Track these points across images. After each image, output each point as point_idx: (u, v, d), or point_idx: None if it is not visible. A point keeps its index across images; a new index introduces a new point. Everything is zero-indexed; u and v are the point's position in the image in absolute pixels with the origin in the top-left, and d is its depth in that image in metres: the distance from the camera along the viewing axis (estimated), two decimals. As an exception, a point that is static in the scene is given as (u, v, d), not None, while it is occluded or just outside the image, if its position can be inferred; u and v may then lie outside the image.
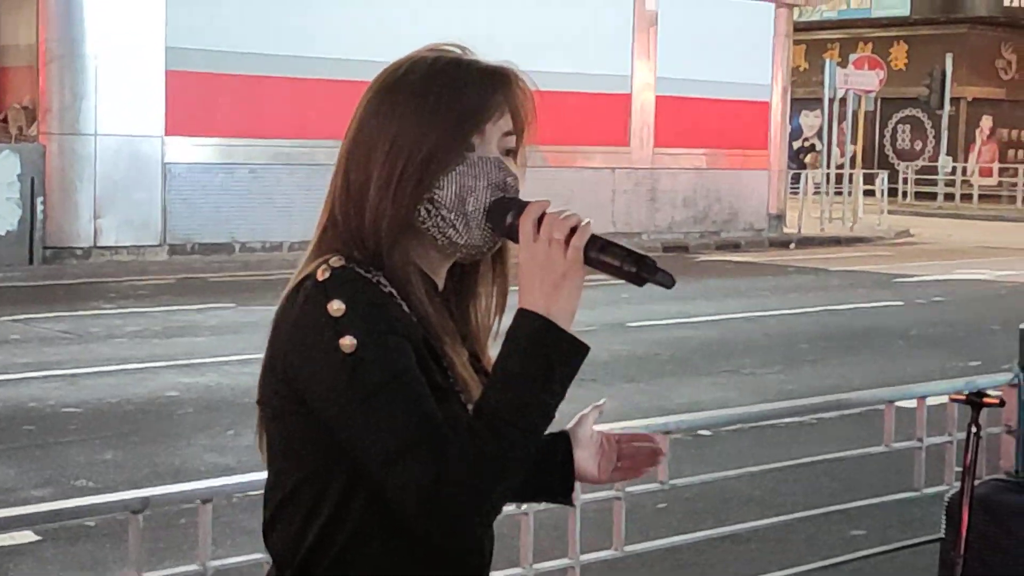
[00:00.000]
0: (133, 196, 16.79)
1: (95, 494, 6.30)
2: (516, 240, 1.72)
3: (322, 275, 1.70)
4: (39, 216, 16.07)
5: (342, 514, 1.71)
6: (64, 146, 16.47)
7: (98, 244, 16.64)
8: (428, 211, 1.75)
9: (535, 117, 1.85)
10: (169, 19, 16.88)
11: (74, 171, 16.50)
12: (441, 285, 1.83)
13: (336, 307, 1.66)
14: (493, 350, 1.79)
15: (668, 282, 1.70)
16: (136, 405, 8.50)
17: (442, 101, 1.76)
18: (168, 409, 8.40)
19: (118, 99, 16.59)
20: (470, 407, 1.71)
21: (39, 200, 16.07)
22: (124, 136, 16.67)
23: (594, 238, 1.69)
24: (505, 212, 1.74)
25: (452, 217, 1.75)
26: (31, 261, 15.98)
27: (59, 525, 5.39)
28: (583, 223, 1.69)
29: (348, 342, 1.65)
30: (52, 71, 16.52)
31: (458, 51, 1.84)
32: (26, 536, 5.64)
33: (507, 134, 1.80)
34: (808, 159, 35.41)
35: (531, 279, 1.68)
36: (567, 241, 1.68)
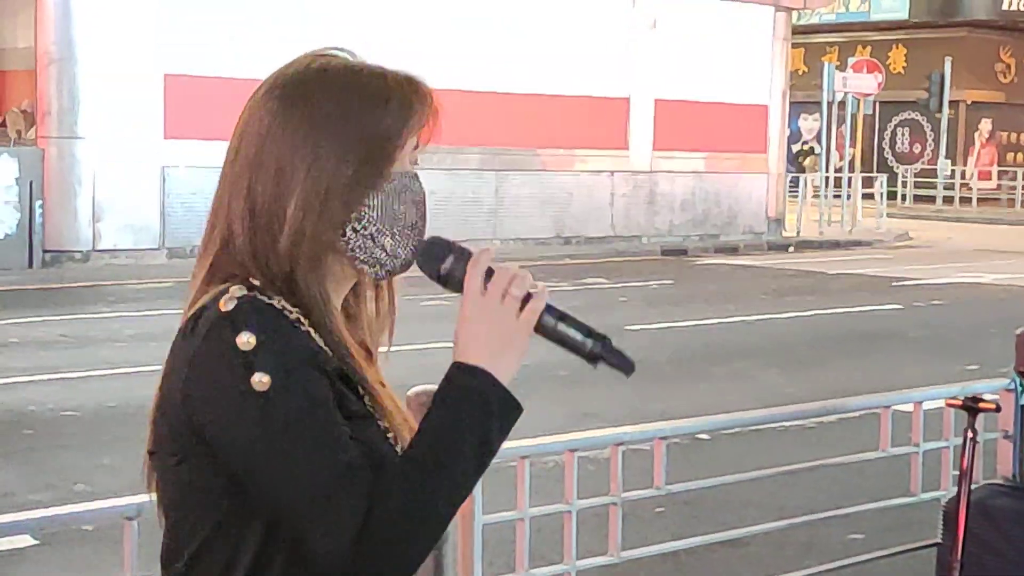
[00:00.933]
0: (132, 200, 16.80)
1: (94, 498, 6.32)
2: (449, 287, 1.65)
3: (225, 305, 1.58)
4: (38, 220, 16.07)
5: (263, 564, 1.60)
6: (63, 149, 16.48)
7: (97, 247, 16.64)
8: (355, 230, 1.65)
9: (436, 129, 1.75)
10: (165, 23, 16.87)
11: (73, 175, 16.51)
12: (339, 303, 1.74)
13: (245, 340, 1.55)
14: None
15: (628, 368, 1.62)
16: (135, 409, 8.48)
17: (365, 119, 1.66)
18: (167, 413, 8.40)
19: (116, 103, 16.59)
20: (389, 434, 1.66)
21: (38, 204, 16.07)
22: (122, 139, 16.67)
23: (551, 307, 1.63)
24: (440, 256, 1.66)
25: (380, 237, 1.66)
26: (30, 264, 15.99)
27: (57, 529, 5.40)
28: (540, 286, 1.63)
29: (260, 379, 1.53)
30: (50, 74, 16.52)
31: (348, 56, 1.74)
32: (25, 540, 5.64)
33: (415, 148, 1.72)
34: (807, 162, 35.41)
35: (475, 334, 1.61)
36: (523, 301, 1.62)
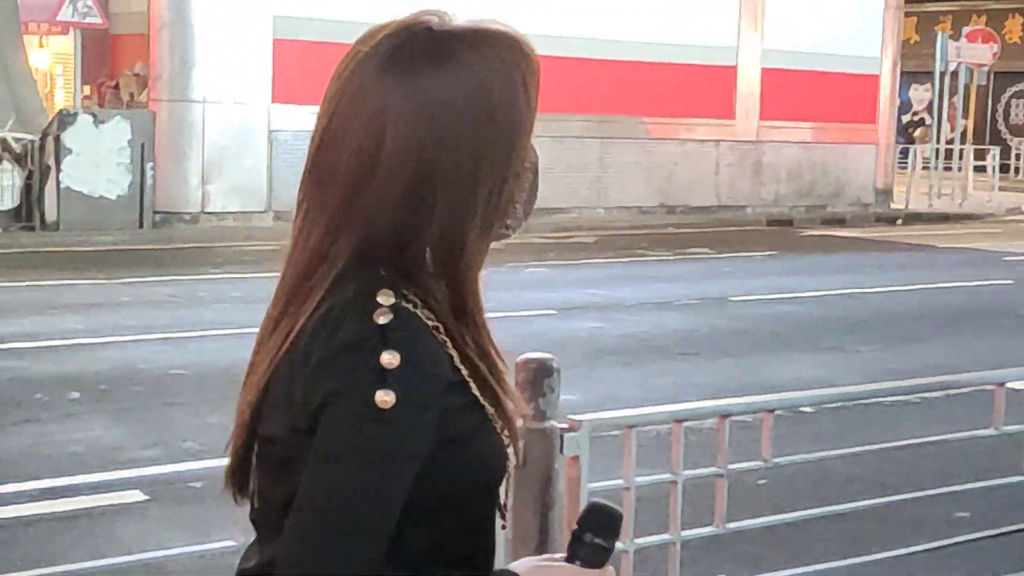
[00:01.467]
0: (240, 163, 17.02)
1: (201, 456, 6.44)
2: (576, 551, 1.63)
3: (382, 318, 1.50)
4: (149, 181, 16.36)
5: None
6: (174, 112, 16.74)
7: (206, 210, 16.91)
8: (514, 218, 1.62)
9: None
10: (278, -13, 17.04)
11: (183, 137, 16.76)
12: None
13: (389, 360, 1.48)
14: None
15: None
16: (241, 369, 8.51)
17: (509, 92, 1.56)
18: (272, 374, 8.52)
19: (226, 67, 16.81)
20: (506, 437, 1.62)
21: (149, 166, 16.35)
22: (232, 103, 16.89)
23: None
24: (594, 528, 1.64)
25: (521, 213, 1.62)
26: (140, 225, 16.29)
27: (166, 486, 5.52)
28: None
29: (384, 398, 1.48)
30: (163, 38, 16.77)
31: (447, 19, 1.63)
32: (134, 496, 5.77)
33: None
34: (917, 134, 34.77)
35: None
36: None
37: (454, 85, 1.54)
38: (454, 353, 1.57)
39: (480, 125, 1.55)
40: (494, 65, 1.56)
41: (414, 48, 1.59)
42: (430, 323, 1.55)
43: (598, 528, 1.62)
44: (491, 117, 1.55)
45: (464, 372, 1.57)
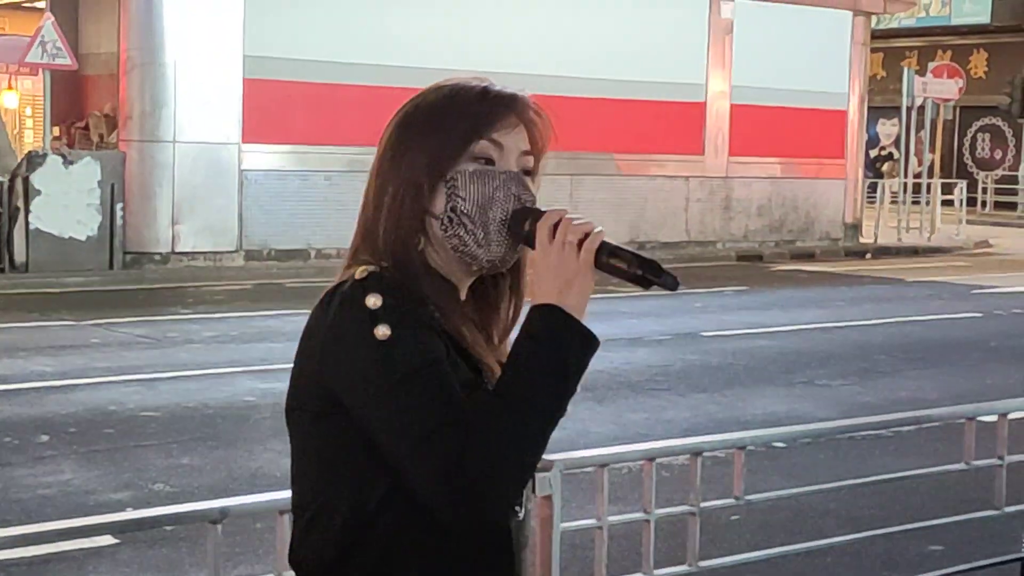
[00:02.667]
0: (211, 202, 16.99)
1: (172, 498, 6.40)
2: (532, 246, 1.81)
3: (360, 275, 1.79)
4: (119, 222, 16.30)
5: (378, 523, 1.77)
6: (144, 153, 16.71)
7: (176, 250, 16.85)
8: (451, 219, 1.83)
9: (547, 142, 1.93)
10: (247, 28, 17.07)
11: (153, 178, 16.73)
12: (463, 295, 1.90)
13: (372, 301, 1.74)
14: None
15: (671, 284, 1.77)
16: (213, 410, 8.59)
17: (451, 113, 1.86)
18: (245, 414, 8.49)
19: (197, 107, 16.80)
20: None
21: (119, 206, 16.30)
22: (202, 143, 16.87)
23: (605, 244, 1.78)
24: (524, 220, 1.83)
25: (473, 226, 1.83)
26: (111, 266, 16.22)
27: (137, 529, 5.47)
28: (596, 229, 1.78)
29: (382, 331, 1.72)
30: (133, 79, 16.76)
31: (479, 82, 1.92)
32: (105, 539, 5.72)
33: (526, 153, 1.89)
34: (885, 168, 35.00)
35: (544, 279, 1.77)
36: (580, 245, 1.77)
37: (404, 111, 1.91)
38: (438, 317, 1.81)
39: (399, 142, 1.88)
40: (437, 99, 1.88)
41: (413, 101, 1.94)
42: (413, 292, 1.79)
43: (519, 224, 1.83)
44: (408, 136, 1.88)
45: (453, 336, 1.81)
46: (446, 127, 1.85)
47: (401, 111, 1.91)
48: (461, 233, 1.83)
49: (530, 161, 1.90)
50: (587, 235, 1.77)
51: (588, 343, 1.77)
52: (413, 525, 1.75)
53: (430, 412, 1.70)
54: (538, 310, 1.76)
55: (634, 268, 1.77)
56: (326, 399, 1.78)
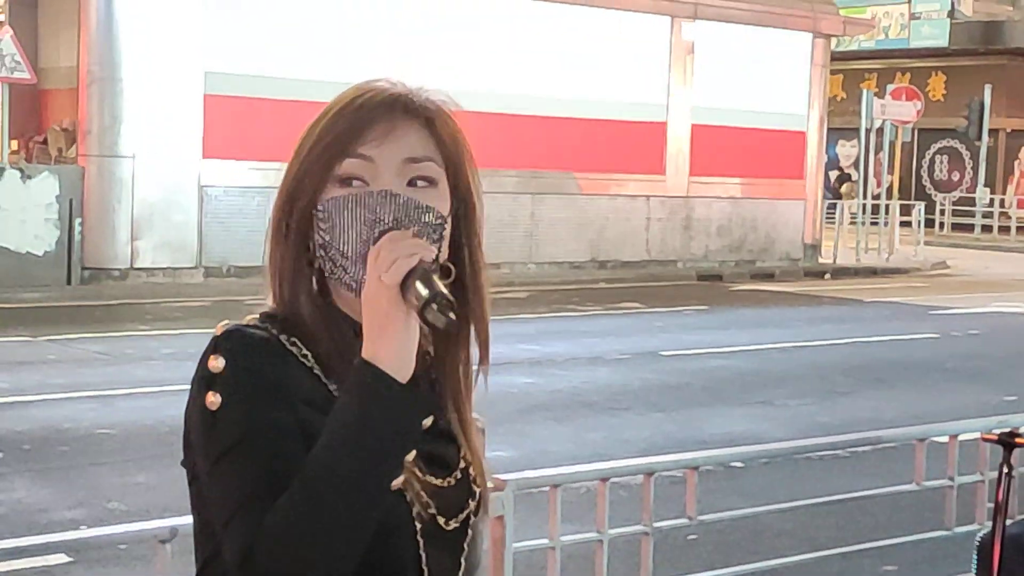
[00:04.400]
0: (170, 218, 16.91)
1: (127, 516, 6.36)
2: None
3: (219, 330, 1.64)
4: (77, 237, 16.20)
5: None
6: (103, 168, 16.62)
7: (135, 266, 16.76)
8: (321, 256, 1.64)
9: (458, 138, 1.67)
10: (207, 44, 17.03)
11: (112, 193, 16.64)
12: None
13: (215, 364, 1.59)
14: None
15: (443, 323, 1.50)
16: (170, 428, 8.53)
17: (315, 132, 1.67)
18: (201, 432, 8.43)
19: (156, 122, 16.73)
20: (406, 488, 1.62)
21: (77, 221, 16.20)
22: (162, 159, 16.80)
23: (416, 269, 1.50)
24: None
25: (344, 261, 1.62)
26: (68, 281, 16.11)
27: (91, 548, 5.43)
28: (403, 256, 1.51)
29: (214, 400, 1.58)
30: (92, 94, 16.68)
31: (385, 84, 1.71)
32: (58, 558, 5.66)
33: (411, 160, 1.63)
34: (843, 189, 35.27)
35: (366, 321, 1.53)
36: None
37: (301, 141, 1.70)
38: (320, 372, 1.63)
39: (282, 175, 1.70)
40: (312, 122, 1.69)
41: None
42: (283, 346, 1.62)
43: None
44: (296, 154, 1.68)
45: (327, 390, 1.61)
46: (308, 151, 1.65)
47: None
48: (333, 269, 1.63)
49: (427, 168, 1.63)
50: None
51: (403, 404, 1.50)
52: None
53: (235, 492, 1.55)
54: (353, 369, 1.53)
55: (420, 301, 1.49)
56: (189, 458, 1.68)
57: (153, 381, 10.03)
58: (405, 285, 1.50)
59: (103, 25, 16.66)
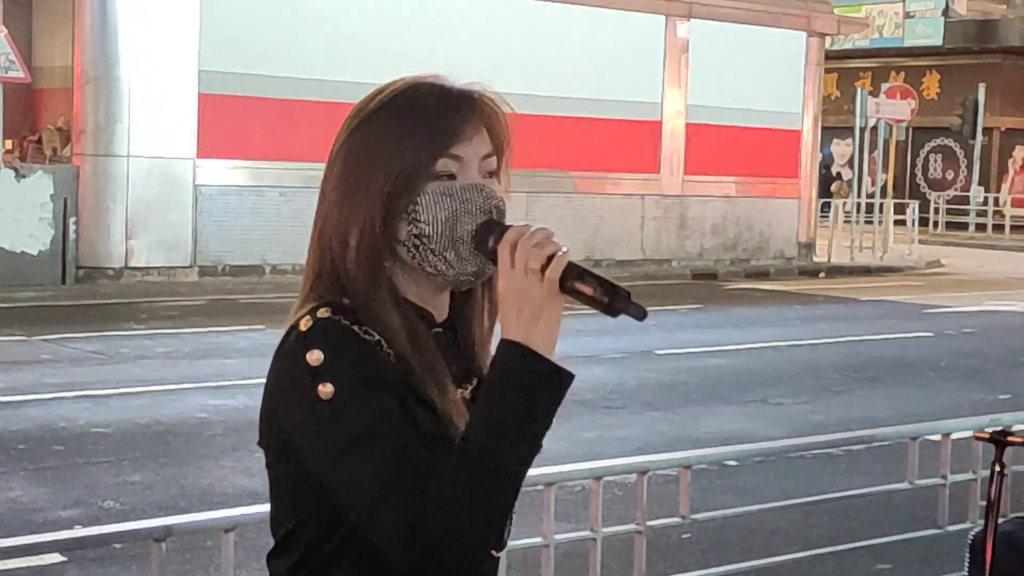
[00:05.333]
0: (165, 217, 16.91)
1: (122, 515, 6.36)
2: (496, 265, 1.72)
3: (304, 326, 1.70)
4: (72, 236, 16.19)
5: (333, 560, 1.73)
6: (97, 167, 16.61)
7: (130, 265, 16.75)
8: (416, 246, 1.75)
9: (510, 136, 1.83)
10: (203, 43, 17.02)
11: (107, 192, 16.63)
12: (442, 314, 1.82)
13: (315, 357, 1.66)
14: None
15: (639, 314, 1.67)
16: (165, 426, 8.54)
17: (408, 132, 1.75)
18: (197, 431, 8.44)
19: (151, 121, 16.73)
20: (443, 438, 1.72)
21: (72, 220, 16.19)
22: (157, 158, 16.80)
23: (571, 267, 1.67)
24: (488, 236, 1.74)
25: (440, 249, 1.74)
26: (63, 281, 16.10)
27: (85, 547, 5.43)
28: (559, 252, 1.67)
29: (326, 390, 1.65)
30: (87, 93, 16.67)
31: (431, 78, 1.83)
32: (53, 557, 5.67)
33: (486, 156, 1.79)
34: (833, 188, 35.28)
35: (510, 308, 1.66)
36: (543, 270, 1.66)
37: (355, 127, 1.79)
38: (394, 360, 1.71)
39: (355, 168, 1.77)
40: (391, 114, 1.77)
41: (363, 102, 1.83)
42: (369, 337, 1.69)
43: (483, 241, 1.73)
44: (364, 161, 1.77)
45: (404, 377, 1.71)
46: (405, 149, 1.74)
47: (352, 127, 1.80)
48: (429, 257, 1.74)
49: (493, 162, 1.80)
50: (551, 258, 1.66)
51: (559, 382, 1.65)
52: (377, 564, 1.69)
53: (379, 475, 1.63)
54: (503, 348, 1.65)
55: (601, 295, 1.66)
56: (285, 447, 1.74)
57: (148, 380, 10.03)
58: (564, 277, 1.65)
59: (98, 24, 16.65)
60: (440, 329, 1.81)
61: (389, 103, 1.78)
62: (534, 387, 1.63)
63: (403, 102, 1.77)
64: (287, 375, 1.70)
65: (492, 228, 1.74)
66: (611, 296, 1.66)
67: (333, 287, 1.76)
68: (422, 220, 1.73)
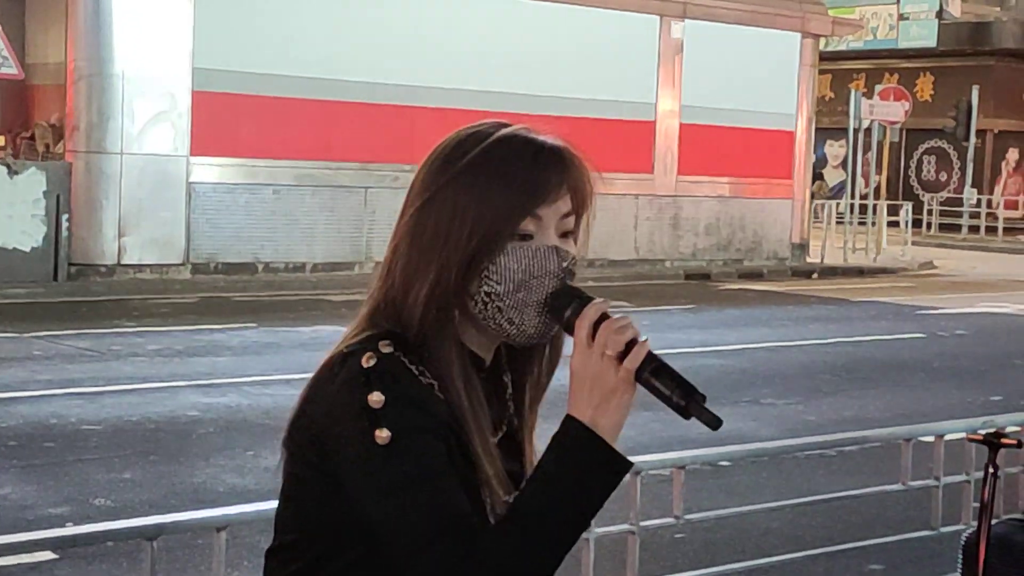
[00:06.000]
0: (157, 215, 16.88)
1: (113, 513, 6.34)
2: (572, 334, 1.71)
3: (367, 362, 1.69)
4: (64, 233, 16.16)
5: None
6: (90, 164, 16.58)
7: (122, 262, 16.72)
8: (484, 303, 1.73)
9: (593, 195, 1.84)
10: (196, 41, 16.99)
11: (100, 189, 16.60)
12: (489, 360, 1.82)
13: (376, 399, 1.66)
14: (539, 442, 1.81)
15: (714, 424, 1.67)
16: (156, 424, 8.52)
17: (496, 180, 1.74)
18: (188, 429, 8.43)
19: (145, 118, 16.70)
20: (488, 503, 1.73)
21: (64, 217, 16.16)
22: (150, 155, 16.77)
23: (650, 358, 1.66)
24: (565, 304, 1.72)
25: (508, 309, 1.73)
26: (55, 278, 16.07)
27: (77, 545, 5.41)
28: (640, 340, 1.66)
29: (383, 435, 1.65)
30: (80, 90, 16.64)
31: (523, 131, 1.82)
32: (44, 555, 5.65)
33: (566, 216, 1.78)
34: (814, 187, 35.28)
35: (581, 387, 1.67)
36: (620, 358, 1.66)
37: (451, 160, 1.76)
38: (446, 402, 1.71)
39: (447, 206, 1.74)
40: (488, 158, 1.75)
41: (443, 149, 1.80)
42: (425, 380, 1.69)
43: (559, 308, 1.72)
44: (456, 202, 1.73)
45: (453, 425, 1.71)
46: (494, 207, 1.72)
47: (439, 172, 1.77)
48: (496, 316, 1.73)
49: (571, 222, 1.79)
50: (630, 344, 1.66)
51: (618, 467, 1.66)
52: None
53: (427, 522, 1.63)
54: (570, 427, 1.66)
55: (677, 398, 1.65)
56: (316, 465, 1.73)
57: (140, 378, 10.01)
58: (640, 368, 1.65)
59: (91, 21, 16.62)
60: (484, 374, 1.81)
61: (482, 157, 1.76)
62: (594, 473, 1.65)
63: (495, 157, 1.76)
64: (344, 408, 1.68)
65: (570, 298, 1.73)
66: (687, 399, 1.65)
67: (393, 319, 1.75)
68: (494, 279, 1.72)
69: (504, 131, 1.80)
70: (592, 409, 1.66)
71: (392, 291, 1.76)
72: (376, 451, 1.65)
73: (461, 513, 1.65)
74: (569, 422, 1.67)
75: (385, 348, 1.70)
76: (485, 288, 1.72)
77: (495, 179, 1.74)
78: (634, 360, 1.65)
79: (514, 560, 1.63)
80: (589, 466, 1.65)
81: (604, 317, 1.68)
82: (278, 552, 1.80)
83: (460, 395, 1.72)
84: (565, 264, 1.75)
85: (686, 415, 1.66)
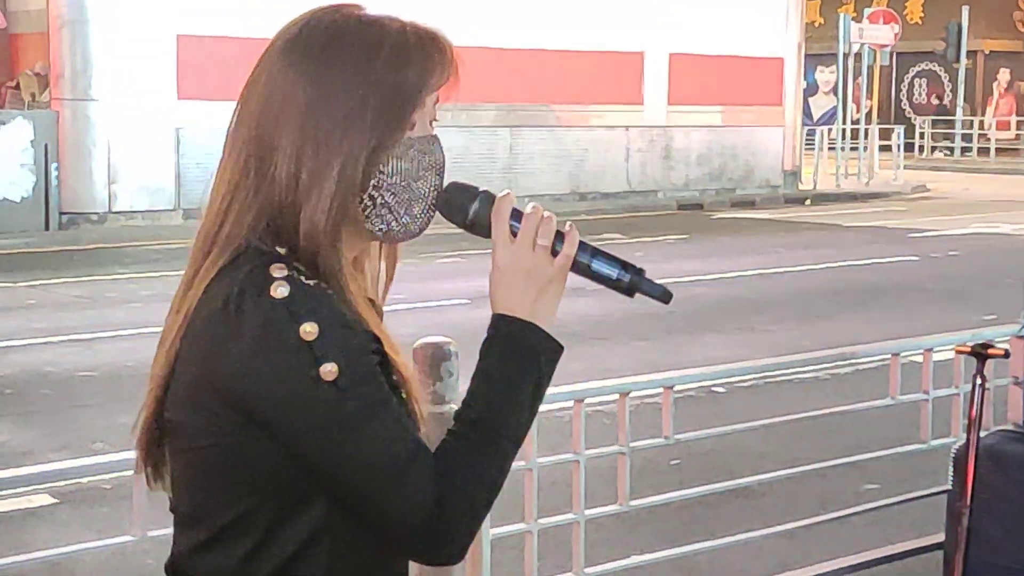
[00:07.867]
0: (147, 161, 16.82)
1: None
2: (477, 234, 1.63)
3: (277, 292, 1.52)
4: (54, 182, 16.11)
5: (305, 553, 1.58)
6: (76, 112, 16.49)
7: (113, 209, 16.69)
8: (373, 199, 1.59)
9: (457, 85, 1.68)
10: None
11: (87, 137, 16.53)
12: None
13: (309, 330, 1.51)
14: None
15: (665, 296, 1.63)
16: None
17: (382, 77, 1.58)
18: (183, 372, 8.43)
19: (129, 63, 16.59)
20: (416, 409, 1.64)
21: (53, 166, 16.11)
22: (136, 101, 16.67)
23: (583, 245, 1.62)
24: (463, 203, 1.62)
25: (396, 206, 1.60)
26: (47, 227, 16.04)
27: (76, 488, 5.45)
28: (567, 227, 1.62)
29: (329, 369, 1.51)
30: (62, 36, 16.52)
31: (362, 9, 1.64)
32: (43, 499, 5.69)
33: (435, 103, 1.65)
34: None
35: (513, 282, 1.61)
36: (553, 246, 1.61)
37: (341, 70, 1.59)
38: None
39: (341, 92, 1.58)
40: (362, 54, 1.59)
41: (310, 35, 1.64)
42: (325, 288, 1.56)
43: (458, 208, 1.62)
44: (354, 86, 1.58)
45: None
46: (394, 88, 1.58)
47: (301, 46, 1.62)
48: (384, 214, 1.59)
49: (435, 110, 1.65)
50: (559, 234, 1.60)
51: (558, 356, 1.62)
52: (357, 549, 1.59)
53: (394, 451, 1.53)
54: (511, 325, 1.60)
55: (620, 276, 1.61)
56: (249, 428, 1.54)
57: (133, 324, 10.01)
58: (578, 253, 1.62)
59: (72, -34, 16.46)
60: None
61: (364, 36, 1.60)
62: (543, 366, 1.61)
63: (383, 40, 1.60)
64: (272, 351, 1.51)
65: (465, 193, 1.62)
66: (631, 276, 1.61)
67: (279, 238, 1.58)
68: (386, 173, 1.58)
69: (376, 14, 1.63)
70: (528, 304, 1.60)
71: (281, 199, 1.57)
72: (325, 388, 1.50)
73: (416, 429, 1.59)
74: (507, 321, 1.60)
75: (280, 271, 1.54)
76: (375, 183, 1.58)
77: (388, 70, 1.59)
78: (572, 245, 1.61)
79: (486, 473, 1.58)
80: (538, 362, 1.61)
81: (516, 210, 1.62)
82: (214, 544, 1.60)
83: (355, 301, 1.59)
84: (442, 157, 1.64)
85: (631, 292, 1.62)
